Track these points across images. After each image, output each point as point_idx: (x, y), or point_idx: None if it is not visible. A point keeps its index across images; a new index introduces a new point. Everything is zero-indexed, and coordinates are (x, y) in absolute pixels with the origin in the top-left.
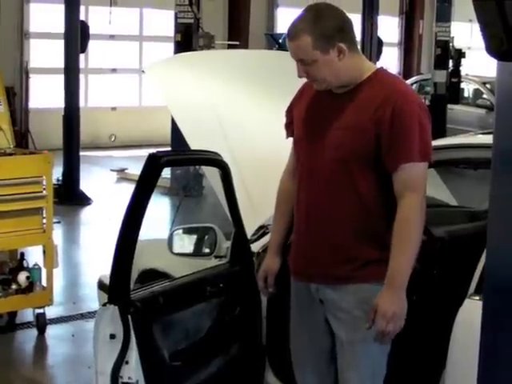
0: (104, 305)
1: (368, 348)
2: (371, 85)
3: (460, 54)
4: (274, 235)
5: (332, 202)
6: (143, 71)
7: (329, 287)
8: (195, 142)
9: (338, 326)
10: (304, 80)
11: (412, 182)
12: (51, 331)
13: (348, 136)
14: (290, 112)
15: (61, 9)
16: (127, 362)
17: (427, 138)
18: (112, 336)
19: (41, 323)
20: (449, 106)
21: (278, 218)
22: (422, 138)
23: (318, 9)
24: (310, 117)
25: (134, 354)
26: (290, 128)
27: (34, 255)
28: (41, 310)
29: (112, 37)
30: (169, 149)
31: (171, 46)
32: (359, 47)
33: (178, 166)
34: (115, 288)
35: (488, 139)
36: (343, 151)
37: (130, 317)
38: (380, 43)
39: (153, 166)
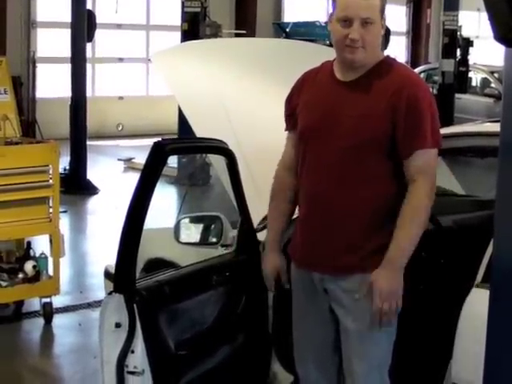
0: (109, 293)
1: (375, 337)
2: (381, 72)
3: (468, 43)
4: (271, 233)
5: (342, 190)
6: (149, 60)
7: (335, 277)
8: (201, 131)
9: (344, 315)
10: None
11: (424, 168)
12: (58, 320)
13: (363, 124)
14: (289, 103)
15: None
16: (133, 351)
17: (438, 125)
18: (117, 325)
19: (47, 312)
20: (456, 95)
21: (273, 213)
22: (434, 124)
23: None
24: (318, 106)
25: (139, 343)
26: (290, 120)
27: (40, 244)
28: (47, 300)
29: (119, 26)
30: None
31: (178, 35)
32: None
33: (183, 154)
34: (121, 277)
35: (496, 127)
36: (358, 139)
37: (135, 306)
38: (387, 32)
39: (158, 153)
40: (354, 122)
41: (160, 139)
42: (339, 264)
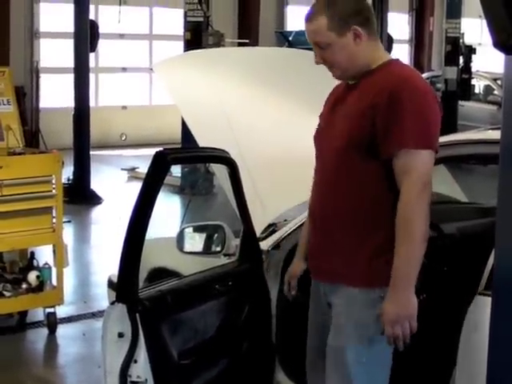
0: (112, 303)
1: (348, 357)
2: (378, 74)
3: (470, 51)
4: (301, 240)
5: (333, 194)
6: (151, 69)
7: (328, 287)
8: (204, 140)
9: (331, 331)
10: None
11: (407, 170)
12: (62, 330)
13: (349, 123)
14: (320, 116)
15: (70, 8)
16: (136, 361)
17: (426, 126)
18: (120, 335)
19: (51, 322)
20: (460, 102)
21: (306, 222)
22: (419, 124)
23: None
24: (327, 111)
25: (142, 353)
26: None
27: (44, 254)
28: (51, 310)
29: (122, 36)
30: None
31: (181, 44)
32: None
33: (185, 163)
34: (123, 286)
35: (498, 135)
36: (344, 139)
37: (138, 315)
38: (390, 40)
39: (160, 163)
40: (342, 122)
41: (162, 149)
42: (326, 269)
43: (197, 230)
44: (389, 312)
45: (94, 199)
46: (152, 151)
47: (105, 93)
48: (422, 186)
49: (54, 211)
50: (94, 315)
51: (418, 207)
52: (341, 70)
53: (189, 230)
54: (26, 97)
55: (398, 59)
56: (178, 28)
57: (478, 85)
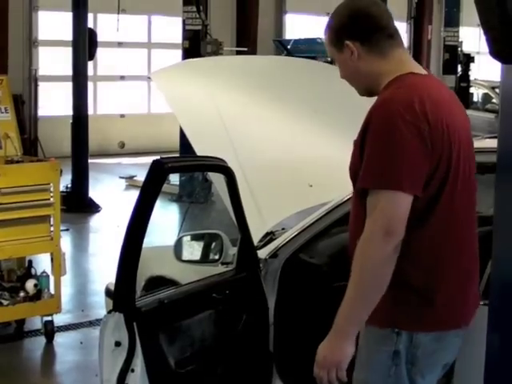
0: (109, 312)
1: None
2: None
3: (469, 59)
4: None
5: (351, 229)
6: (149, 78)
7: None
8: (201, 148)
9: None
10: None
11: (368, 212)
12: (59, 339)
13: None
14: None
15: (69, 16)
16: (133, 370)
17: (389, 162)
18: (117, 343)
19: (49, 331)
20: None
21: None
22: (380, 160)
23: (345, 1)
24: None
25: (139, 362)
26: None
27: (42, 263)
28: (49, 318)
29: (120, 44)
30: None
31: (179, 52)
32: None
33: (182, 172)
34: (120, 295)
35: (495, 143)
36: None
37: (135, 324)
38: None
39: (157, 172)
40: None
41: (159, 157)
42: None
43: (194, 238)
44: (318, 352)
45: (92, 207)
46: (150, 159)
47: (103, 101)
48: (382, 232)
49: (51, 219)
50: (92, 324)
51: (373, 254)
52: (354, 86)
53: (186, 239)
54: (24, 105)
55: (412, 72)
56: (177, 36)
57: (477, 93)
